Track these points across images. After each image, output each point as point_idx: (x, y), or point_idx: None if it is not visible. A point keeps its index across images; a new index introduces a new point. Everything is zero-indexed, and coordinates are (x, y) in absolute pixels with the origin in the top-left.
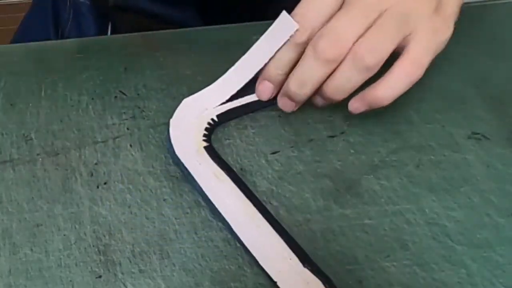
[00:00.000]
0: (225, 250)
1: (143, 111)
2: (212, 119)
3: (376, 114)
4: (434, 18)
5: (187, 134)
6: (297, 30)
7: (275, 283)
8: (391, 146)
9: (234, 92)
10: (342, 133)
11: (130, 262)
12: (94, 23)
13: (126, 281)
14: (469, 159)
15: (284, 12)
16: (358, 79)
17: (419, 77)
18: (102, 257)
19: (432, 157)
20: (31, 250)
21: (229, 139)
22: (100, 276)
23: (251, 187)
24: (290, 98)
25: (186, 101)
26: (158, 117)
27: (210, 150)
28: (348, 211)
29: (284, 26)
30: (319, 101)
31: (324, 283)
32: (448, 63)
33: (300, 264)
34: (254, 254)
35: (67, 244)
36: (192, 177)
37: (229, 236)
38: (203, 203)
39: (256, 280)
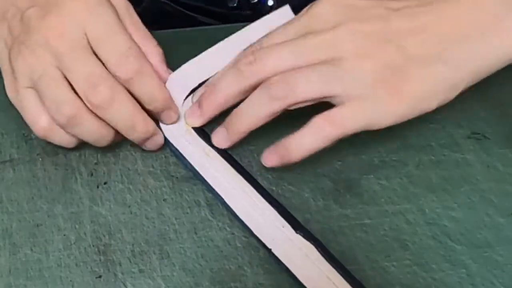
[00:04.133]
0: (225, 250)
1: None
2: None
3: None
4: (380, 89)
5: None
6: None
7: (269, 250)
8: (391, 146)
9: (219, 68)
10: None
11: (130, 262)
12: None
13: (126, 281)
14: (469, 159)
15: (287, 6)
16: (261, 109)
17: (335, 136)
18: (102, 257)
19: (432, 157)
20: (31, 250)
21: None
22: (100, 276)
23: None
24: (200, 104)
25: (171, 79)
26: None
27: (198, 129)
28: (348, 211)
29: (283, 17)
30: (219, 133)
31: (316, 247)
32: None
33: (293, 231)
34: (248, 225)
35: (67, 244)
36: (183, 157)
37: (229, 236)
38: (203, 203)
39: (256, 280)
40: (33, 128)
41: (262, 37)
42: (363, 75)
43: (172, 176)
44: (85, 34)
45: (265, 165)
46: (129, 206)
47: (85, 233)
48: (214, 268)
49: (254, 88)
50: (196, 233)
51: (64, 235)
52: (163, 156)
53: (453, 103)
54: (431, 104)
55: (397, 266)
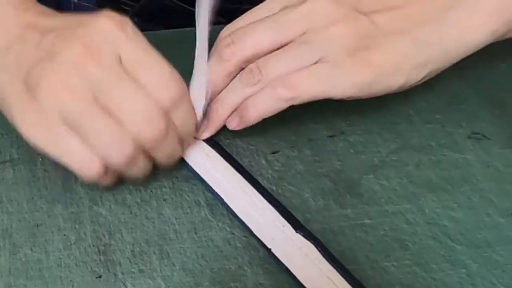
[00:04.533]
0: (225, 250)
1: None
2: None
3: (376, 114)
4: (348, 56)
5: None
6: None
7: (269, 250)
8: (391, 146)
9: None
10: (342, 133)
11: (130, 262)
12: None
13: (126, 281)
14: (469, 159)
15: None
16: (238, 97)
17: (289, 99)
18: (102, 257)
19: (432, 157)
20: (31, 250)
21: (229, 139)
22: (100, 276)
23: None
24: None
25: None
26: None
27: None
28: (348, 211)
29: None
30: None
31: (316, 247)
32: None
33: (293, 231)
34: (248, 225)
35: (67, 244)
36: (183, 159)
37: (229, 236)
38: (203, 203)
39: (256, 280)
40: (82, 174)
41: (237, 19)
42: (333, 41)
43: (172, 176)
44: (119, 56)
45: (229, 127)
46: (129, 206)
47: (85, 233)
48: (214, 268)
49: (239, 69)
50: (196, 233)
51: (64, 235)
52: None
53: (453, 103)
54: (397, 80)
55: (397, 266)
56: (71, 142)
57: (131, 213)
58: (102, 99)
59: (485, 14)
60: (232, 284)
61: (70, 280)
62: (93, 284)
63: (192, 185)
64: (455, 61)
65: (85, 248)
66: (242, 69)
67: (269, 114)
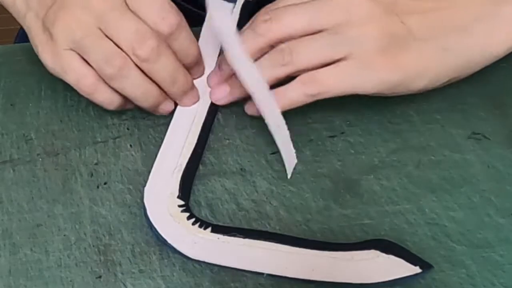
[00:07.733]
0: None
1: (143, 111)
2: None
3: (376, 114)
4: (378, 54)
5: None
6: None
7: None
8: (391, 146)
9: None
10: (342, 133)
11: (130, 262)
12: None
13: (126, 281)
14: (469, 159)
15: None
16: (266, 72)
17: (315, 94)
18: (102, 257)
19: (432, 157)
20: (31, 250)
21: (229, 139)
22: (100, 276)
23: (251, 187)
24: (220, 65)
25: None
26: (158, 117)
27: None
28: (348, 211)
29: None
30: (220, 89)
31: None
32: None
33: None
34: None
35: (67, 244)
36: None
37: None
38: (203, 203)
39: (256, 280)
40: (78, 86)
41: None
42: (366, 40)
43: None
44: None
45: (247, 112)
46: (129, 206)
47: (85, 233)
48: (214, 268)
49: (269, 47)
50: None
51: (64, 235)
52: None
53: (453, 103)
54: (419, 84)
55: None
56: (72, 60)
57: (131, 213)
58: (103, 27)
59: (509, 26)
60: (232, 284)
61: (70, 280)
62: (93, 284)
63: (192, 185)
64: (475, 70)
65: (85, 248)
66: (271, 47)
67: (293, 106)
